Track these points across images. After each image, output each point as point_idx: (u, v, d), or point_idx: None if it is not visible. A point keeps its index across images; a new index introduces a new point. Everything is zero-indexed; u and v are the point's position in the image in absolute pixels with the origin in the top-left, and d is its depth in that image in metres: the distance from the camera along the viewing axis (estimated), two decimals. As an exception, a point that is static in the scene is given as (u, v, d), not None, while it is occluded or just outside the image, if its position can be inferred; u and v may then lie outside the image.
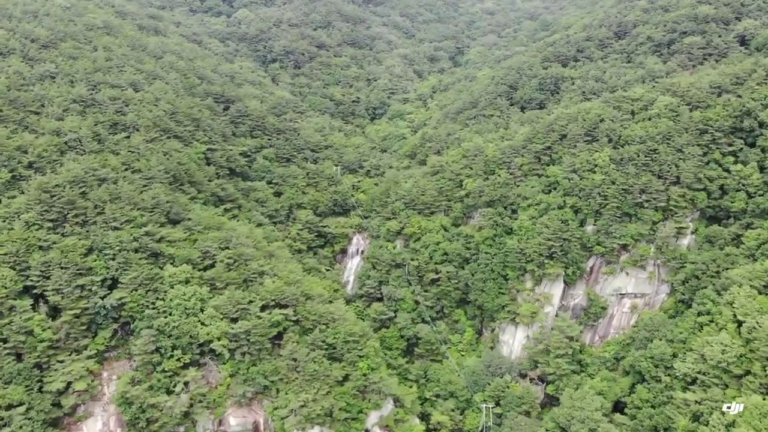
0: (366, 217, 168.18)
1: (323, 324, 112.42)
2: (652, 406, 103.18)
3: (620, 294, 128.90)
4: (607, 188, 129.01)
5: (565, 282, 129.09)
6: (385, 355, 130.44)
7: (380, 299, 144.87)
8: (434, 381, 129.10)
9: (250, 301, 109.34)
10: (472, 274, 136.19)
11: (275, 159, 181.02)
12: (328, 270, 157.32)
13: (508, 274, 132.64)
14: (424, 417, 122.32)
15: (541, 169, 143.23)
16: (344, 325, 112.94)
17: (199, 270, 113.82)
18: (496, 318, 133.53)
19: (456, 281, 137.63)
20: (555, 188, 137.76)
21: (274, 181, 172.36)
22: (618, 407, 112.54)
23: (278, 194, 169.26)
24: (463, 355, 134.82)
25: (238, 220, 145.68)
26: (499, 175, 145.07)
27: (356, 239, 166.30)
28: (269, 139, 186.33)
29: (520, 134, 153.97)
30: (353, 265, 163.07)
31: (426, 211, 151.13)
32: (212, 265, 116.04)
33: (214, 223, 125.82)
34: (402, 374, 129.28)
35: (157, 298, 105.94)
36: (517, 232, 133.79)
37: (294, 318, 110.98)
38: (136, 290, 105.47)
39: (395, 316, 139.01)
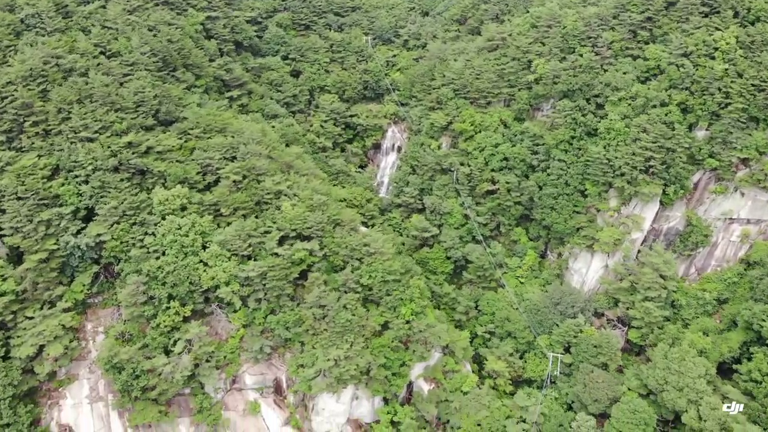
0: (404, 105, 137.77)
1: (356, 259, 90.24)
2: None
3: (729, 219, 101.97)
4: (731, 82, 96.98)
5: (661, 202, 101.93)
6: (428, 279, 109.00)
7: (421, 211, 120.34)
8: (488, 314, 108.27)
9: (265, 232, 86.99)
10: (540, 187, 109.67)
11: (291, 26, 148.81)
12: (358, 172, 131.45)
13: (587, 189, 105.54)
14: (475, 359, 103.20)
15: (638, 49, 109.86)
16: (382, 260, 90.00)
17: (199, 191, 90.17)
18: (566, 241, 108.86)
19: (518, 194, 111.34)
20: (656, 77, 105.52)
21: (290, 56, 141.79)
22: (722, 366, 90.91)
23: (296, 74, 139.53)
24: (522, 283, 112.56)
25: (248, 113, 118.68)
26: (581, 55, 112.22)
27: (391, 132, 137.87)
28: (283, 0, 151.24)
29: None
30: (388, 163, 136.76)
31: (481, 100, 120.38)
32: (215, 183, 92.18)
33: (217, 123, 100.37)
34: (449, 305, 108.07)
35: (146, 233, 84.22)
36: (604, 136, 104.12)
37: (320, 253, 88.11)
38: (118, 224, 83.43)
39: (440, 233, 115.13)
